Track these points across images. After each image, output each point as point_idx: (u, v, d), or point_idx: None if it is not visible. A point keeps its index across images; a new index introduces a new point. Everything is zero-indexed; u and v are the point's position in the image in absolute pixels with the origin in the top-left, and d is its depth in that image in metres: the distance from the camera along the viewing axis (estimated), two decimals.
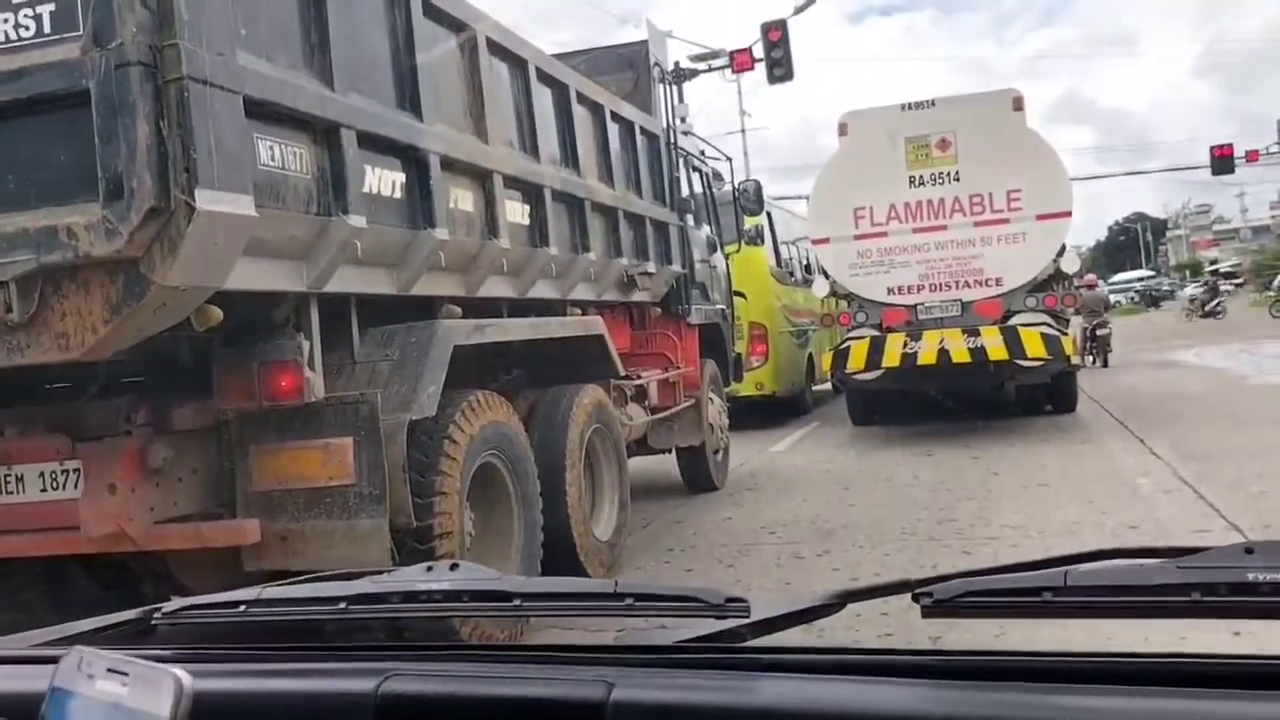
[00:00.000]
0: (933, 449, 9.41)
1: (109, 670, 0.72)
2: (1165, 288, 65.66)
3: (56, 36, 2.90)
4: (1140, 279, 67.19)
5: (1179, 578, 0.91)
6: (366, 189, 3.74)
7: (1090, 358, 17.31)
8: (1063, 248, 10.62)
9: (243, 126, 3.08)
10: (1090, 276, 21.14)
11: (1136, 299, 50.72)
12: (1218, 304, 29.67)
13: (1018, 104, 10.35)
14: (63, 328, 2.97)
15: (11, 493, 3.70)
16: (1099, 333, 17.73)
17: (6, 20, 2.93)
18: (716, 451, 8.16)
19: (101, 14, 2.82)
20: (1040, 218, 10.12)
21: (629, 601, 1.07)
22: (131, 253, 2.86)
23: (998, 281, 10.19)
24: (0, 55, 2.93)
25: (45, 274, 2.93)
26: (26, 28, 2.92)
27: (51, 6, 2.90)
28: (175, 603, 1.26)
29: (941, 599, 0.98)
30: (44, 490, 3.67)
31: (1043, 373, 10.23)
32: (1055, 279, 11.10)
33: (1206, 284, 30.30)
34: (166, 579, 4.14)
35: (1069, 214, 10.30)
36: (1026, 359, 9.70)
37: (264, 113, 3.22)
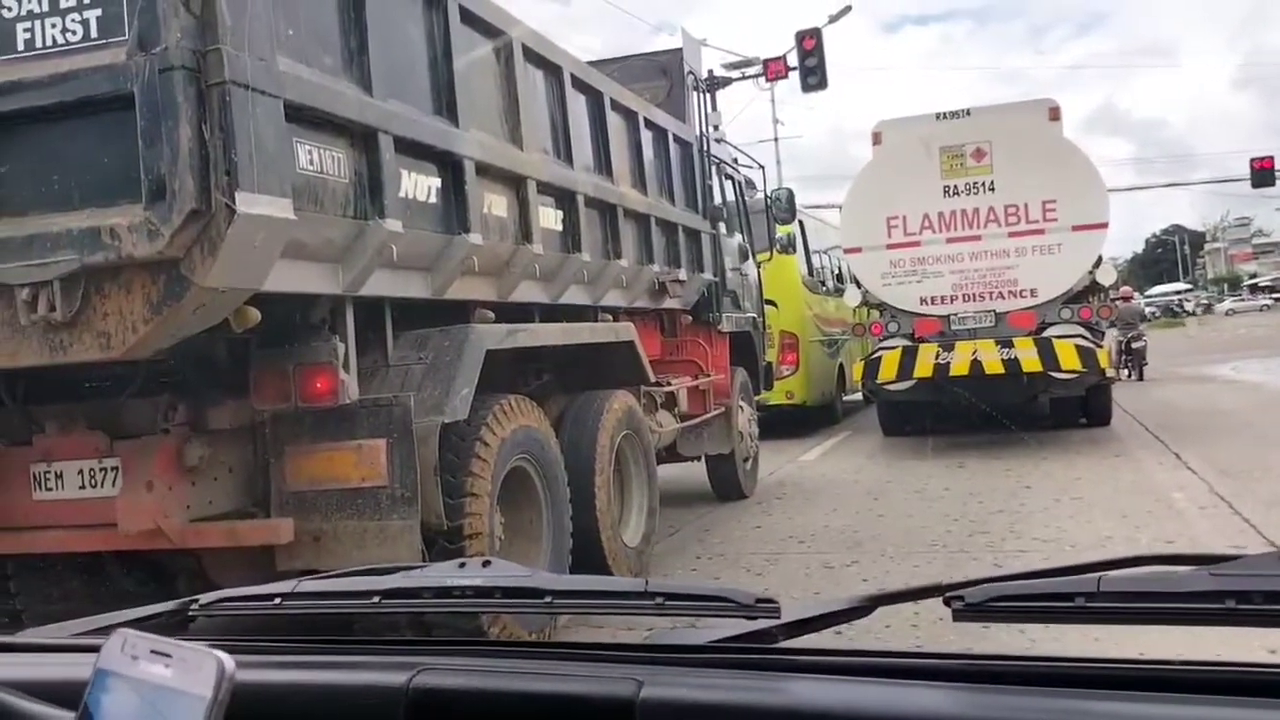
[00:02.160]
0: (964, 460, 9.34)
1: (153, 652, 0.74)
2: (1203, 300, 64.79)
3: (103, 41, 2.95)
4: (1177, 292, 66.42)
5: (1213, 585, 0.91)
6: (403, 193, 3.78)
7: (1125, 371, 17.11)
8: (1098, 259, 10.52)
9: (282, 130, 3.12)
10: (1126, 289, 20.91)
11: (1157, 314, 49.72)
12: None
13: (1054, 114, 10.28)
14: (104, 327, 3.02)
15: (51, 489, 3.76)
16: (1134, 345, 17.53)
17: (54, 25, 2.99)
18: (746, 460, 8.14)
19: (147, 19, 2.87)
20: (1076, 229, 10.03)
21: (659, 601, 1.07)
22: (173, 254, 2.90)
23: (1032, 293, 10.11)
24: (48, 59, 2.99)
25: (88, 274, 2.98)
26: (74, 32, 2.98)
27: (98, 12, 2.95)
28: (212, 595, 1.27)
29: (973, 603, 0.98)
30: (83, 487, 3.73)
31: (1077, 385, 10.13)
32: (1091, 291, 11.00)
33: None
34: (200, 577, 4.19)
35: (1105, 225, 10.20)
36: (1061, 371, 9.60)
37: (303, 117, 3.25)
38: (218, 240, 2.90)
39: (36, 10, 3.01)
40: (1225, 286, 76.10)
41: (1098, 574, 0.96)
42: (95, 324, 3.02)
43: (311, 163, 3.31)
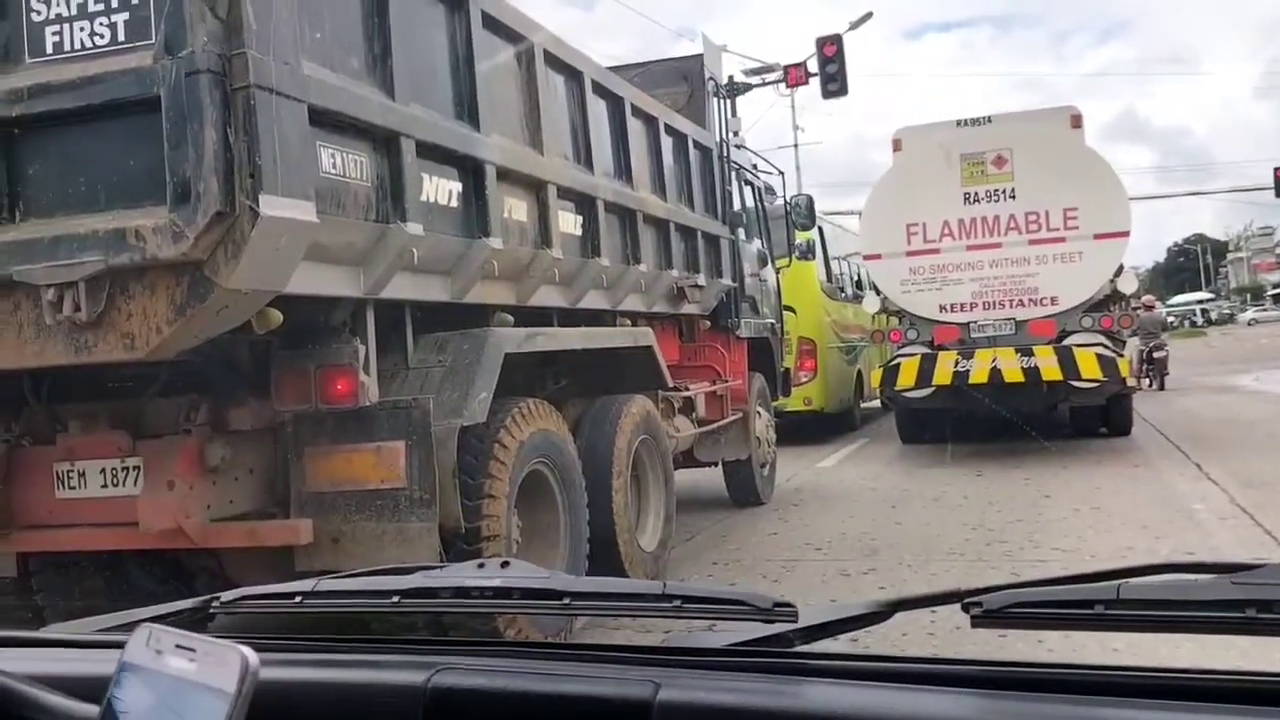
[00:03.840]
0: (983, 469, 9.29)
1: (177, 646, 0.74)
2: (1225, 310, 64.26)
3: (130, 45, 2.98)
4: (1199, 302, 65.94)
5: (1234, 593, 0.90)
6: (424, 197, 3.80)
7: (1146, 380, 17.00)
8: (1120, 268, 10.46)
9: (306, 134, 3.15)
10: (1148, 298, 20.75)
11: (1175, 323, 49.27)
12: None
13: (1076, 121, 10.23)
14: (129, 328, 3.04)
15: (74, 488, 3.80)
16: (1156, 355, 17.40)
17: (83, 28, 3.03)
18: (763, 466, 8.13)
19: (173, 23, 2.90)
20: (1097, 237, 9.97)
21: (677, 603, 1.08)
22: (197, 255, 2.93)
23: (1053, 301, 10.05)
24: (75, 62, 3.03)
25: (113, 275, 3.00)
26: (101, 36, 3.01)
27: (125, 16, 2.99)
28: (234, 592, 1.28)
29: (991, 609, 0.98)
30: (105, 486, 3.76)
31: (1098, 394, 10.06)
32: (1112, 299, 10.94)
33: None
34: (220, 576, 4.22)
35: (1127, 234, 10.14)
36: (1081, 380, 9.54)
37: (327, 121, 3.28)
38: (241, 242, 2.92)
39: (65, 14, 3.05)
40: (1248, 296, 75.44)
41: (1117, 581, 0.96)
42: (119, 324, 3.05)
43: (334, 166, 3.34)
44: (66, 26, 3.05)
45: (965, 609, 1.00)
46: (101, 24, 3.02)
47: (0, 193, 3.14)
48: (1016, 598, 0.98)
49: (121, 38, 3.00)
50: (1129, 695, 0.87)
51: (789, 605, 1.04)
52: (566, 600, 1.12)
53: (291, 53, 3.09)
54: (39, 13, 3.07)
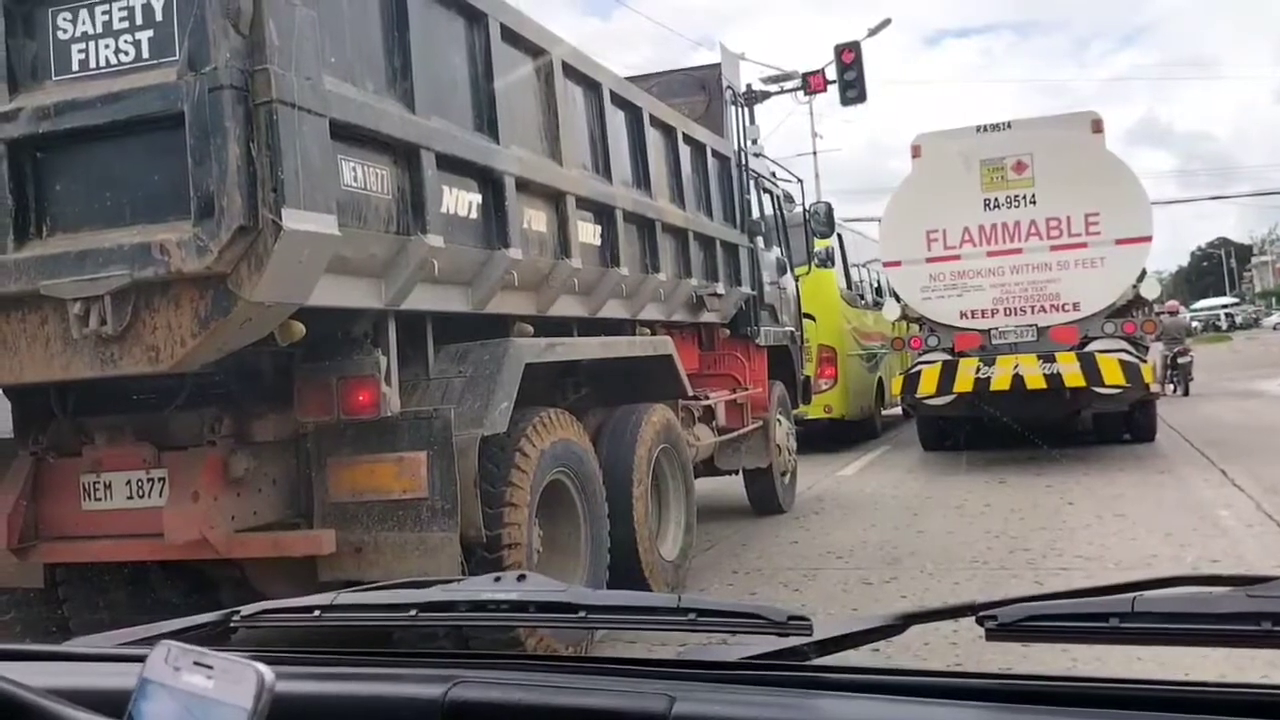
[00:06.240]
0: (1005, 476, 9.23)
1: (195, 663, 0.76)
2: (1250, 315, 63.64)
3: (154, 61, 3.03)
4: (1224, 306, 65.36)
5: (1249, 606, 0.90)
6: (444, 209, 3.82)
7: (1171, 386, 16.85)
8: (1142, 273, 10.39)
9: (328, 148, 3.18)
10: (1172, 303, 20.57)
11: (1200, 328, 48.70)
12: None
13: (1096, 126, 10.17)
14: (153, 341, 3.08)
15: (100, 499, 3.84)
16: (1180, 360, 17.26)
17: (108, 46, 3.08)
18: (783, 474, 8.11)
19: (197, 40, 2.94)
20: (1119, 242, 9.91)
21: (692, 617, 1.08)
22: (220, 269, 2.96)
23: (1075, 307, 9.99)
24: (101, 79, 3.07)
25: (138, 289, 3.04)
26: (126, 53, 3.06)
27: (150, 33, 3.04)
28: (254, 606, 1.30)
29: (1005, 622, 0.98)
30: (130, 497, 3.81)
31: (1121, 400, 9.99)
32: (1135, 305, 10.86)
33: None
34: (243, 587, 4.25)
35: (1149, 239, 10.07)
36: (1104, 386, 9.47)
37: (348, 135, 3.31)
38: (264, 256, 2.96)
39: (91, 31, 3.10)
40: (1273, 300, 74.65)
41: (1133, 594, 0.96)
42: (145, 337, 3.08)
43: (355, 179, 3.37)
44: (92, 44, 3.09)
45: (980, 622, 1.00)
46: (126, 41, 3.06)
47: (27, 208, 3.19)
48: (1031, 611, 0.99)
49: (146, 55, 3.04)
50: (1147, 709, 0.87)
51: (803, 618, 1.05)
52: (582, 614, 1.13)
53: (313, 68, 3.13)
54: (65, 30, 3.12)
